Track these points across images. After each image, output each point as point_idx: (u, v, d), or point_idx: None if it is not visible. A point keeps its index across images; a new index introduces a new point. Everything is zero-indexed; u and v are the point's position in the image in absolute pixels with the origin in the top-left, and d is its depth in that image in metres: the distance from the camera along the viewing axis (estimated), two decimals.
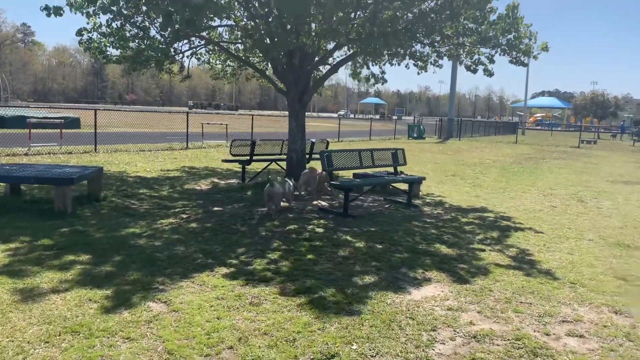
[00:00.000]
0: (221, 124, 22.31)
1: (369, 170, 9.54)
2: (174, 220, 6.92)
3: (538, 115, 77.03)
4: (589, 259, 5.96)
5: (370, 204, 8.83)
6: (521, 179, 13.08)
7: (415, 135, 31.49)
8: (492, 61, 9.12)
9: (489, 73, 9.50)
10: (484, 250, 6.12)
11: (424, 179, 9.20)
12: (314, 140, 10.86)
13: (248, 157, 9.90)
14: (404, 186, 9.17)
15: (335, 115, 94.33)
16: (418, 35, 9.81)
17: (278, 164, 10.62)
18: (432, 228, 7.19)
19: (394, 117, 73.30)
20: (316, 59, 10.00)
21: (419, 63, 10.96)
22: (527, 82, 53.73)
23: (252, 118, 21.34)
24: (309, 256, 5.52)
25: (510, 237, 6.88)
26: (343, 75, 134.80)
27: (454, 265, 5.45)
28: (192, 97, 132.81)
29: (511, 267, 5.48)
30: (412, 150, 21.49)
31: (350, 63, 12.14)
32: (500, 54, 8.77)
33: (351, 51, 9.76)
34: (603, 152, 25.42)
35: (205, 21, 8.17)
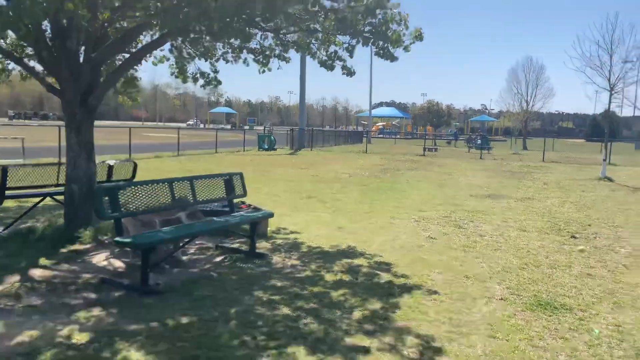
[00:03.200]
0: (15, 137, 17.28)
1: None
2: None
3: (379, 124, 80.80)
4: (526, 347, 3.84)
5: (195, 257, 5.95)
6: (385, 198, 11.28)
7: (266, 147, 29.14)
8: (351, 54, 6.88)
9: (349, 71, 7.23)
10: (367, 351, 3.66)
11: (271, 215, 6.59)
12: (113, 162, 7.55)
13: None
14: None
15: (184, 125, 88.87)
16: (257, 19, 7.25)
17: (55, 199, 7.10)
18: (284, 303, 4.56)
19: (246, 127, 70.60)
20: (109, 43, 6.79)
21: (260, 58, 8.43)
22: (370, 91, 55.20)
23: (59, 130, 16.73)
24: None
25: (400, 307, 4.56)
26: (191, 85, 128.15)
27: None
28: (14, 106, 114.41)
29: None
30: (262, 164, 19.01)
31: (172, 57, 9.16)
32: (362, 45, 6.56)
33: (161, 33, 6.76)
34: (448, 160, 25.74)
35: None
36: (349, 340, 3.81)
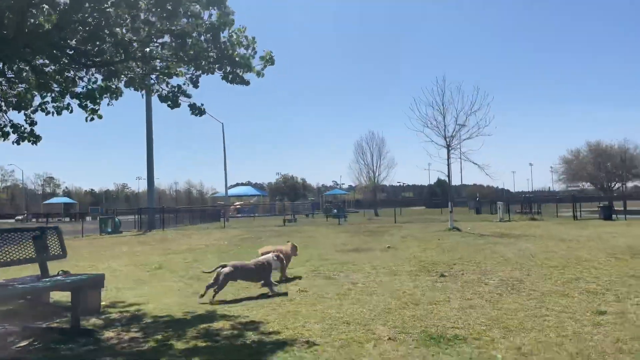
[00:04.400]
0: None
1: None
2: None
3: (237, 203, 79.87)
4: None
5: None
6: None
7: (109, 230, 26.06)
8: (195, 84, 6.06)
9: (199, 110, 6.35)
10: None
11: (101, 277, 5.16)
12: None
13: None
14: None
15: (12, 220, 77.45)
16: (78, 47, 6.14)
17: None
18: None
19: (88, 218, 63.81)
20: None
21: (88, 103, 7.21)
22: (225, 170, 54.70)
23: None
24: None
25: None
26: (20, 174, 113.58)
27: None
28: None
29: None
30: (104, 246, 16.61)
31: None
32: (208, 72, 5.81)
33: None
34: (309, 227, 25.55)
35: None
36: None
